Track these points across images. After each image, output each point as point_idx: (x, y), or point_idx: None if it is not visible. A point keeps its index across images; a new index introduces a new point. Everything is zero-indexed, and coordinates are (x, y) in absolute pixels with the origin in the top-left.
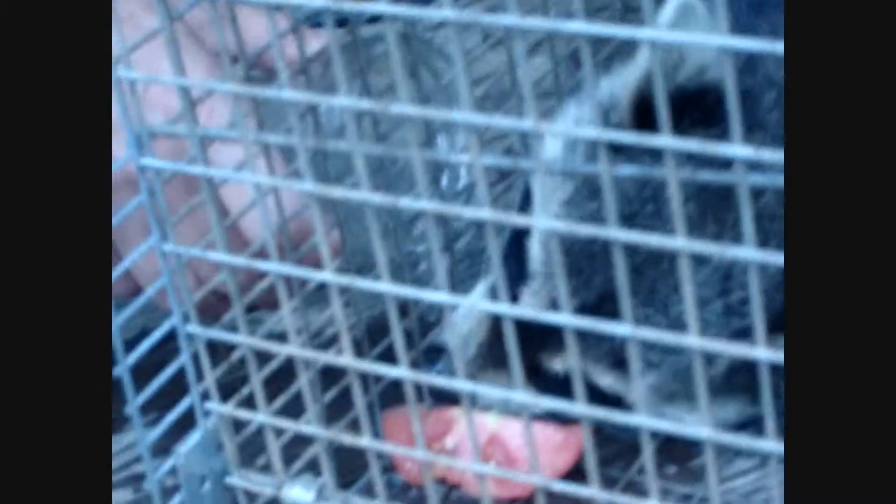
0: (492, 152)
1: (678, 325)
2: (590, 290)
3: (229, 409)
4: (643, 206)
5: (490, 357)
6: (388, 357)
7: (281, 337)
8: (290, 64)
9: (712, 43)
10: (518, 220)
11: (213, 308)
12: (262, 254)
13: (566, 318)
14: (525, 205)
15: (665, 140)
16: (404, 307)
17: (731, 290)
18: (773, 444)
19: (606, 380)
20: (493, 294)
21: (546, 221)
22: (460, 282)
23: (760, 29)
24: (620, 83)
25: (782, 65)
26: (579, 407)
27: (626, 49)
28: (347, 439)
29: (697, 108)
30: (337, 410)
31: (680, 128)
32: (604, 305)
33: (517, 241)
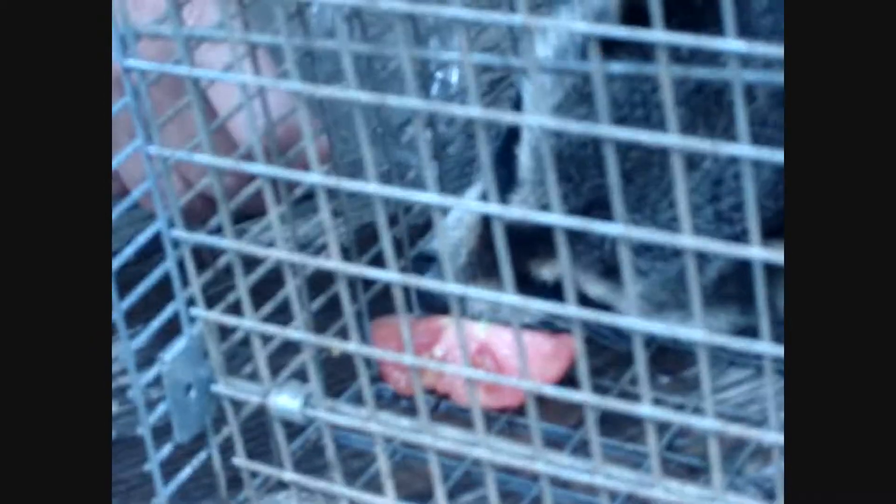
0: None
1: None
2: (579, 197)
3: (215, 315)
4: (632, 110)
5: (480, 265)
6: (377, 266)
7: (268, 245)
8: None
9: None
10: (508, 117)
11: (199, 213)
12: (249, 157)
13: (557, 218)
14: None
15: (657, 34)
16: (393, 216)
17: (722, 196)
18: (767, 347)
19: (596, 289)
20: (483, 199)
21: (537, 119)
22: (451, 189)
23: None
24: None
25: None
26: (570, 309)
27: None
28: (335, 344)
29: (686, 10)
30: (325, 320)
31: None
32: (593, 212)
33: (506, 149)
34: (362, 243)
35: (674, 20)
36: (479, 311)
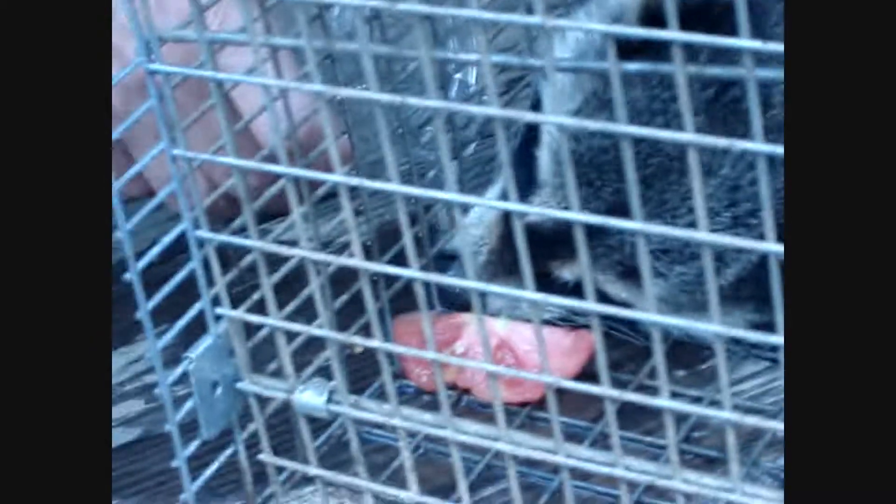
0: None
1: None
2: (599, 202)
3: (240, 313)
4: (652, 118)
5: (500, 264)
6: (398, 264)
7: (291, 244)
8: None
9: None
10: (528, 116)
11: (224, 213)
12: (272, 158)
13: (575, 215)
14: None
15: (672, 34)
16: (414, 215)
17: (739, 202)
18: (782, 339)
19: (616, 290)
20: (503, 198)
21: (556, 118)
22: (469, 189)
23: None
24: None
25: None
26: (590, 304)
27: None
28: (359, 341)
29: (703, 22)
30: (347, 317)
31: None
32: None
33: (525, 151)
34: (384, 241)
35: (691, 29)
36: (499, 307)
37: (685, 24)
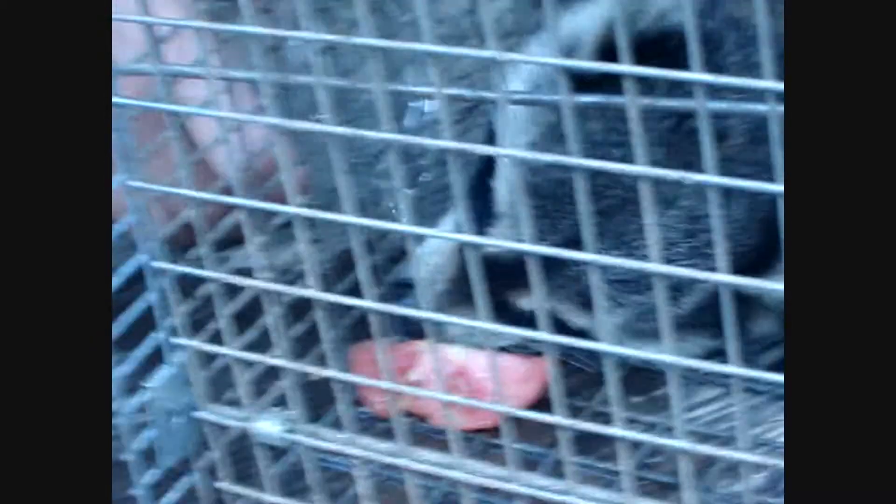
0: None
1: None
2: (556, 234)
3: (197, 343)
4: (610, 150)
5: (458, 293)
6: (355, 294)
7: (250, 273)
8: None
9: None
10: (482, 149)
11: (184, 240)
12: (230, 188)
13: (530, 247)
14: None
15: (624, 67)
16: (370, 244)
17: (698, 232)
18: (735, 369)
19: (576, 319)
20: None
21: (509, 151)
22: (426, 217)
23: None
24: (583, 23)
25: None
26: (543, 334)
27: None
28: (315, 371)
29: (659, 53)
30: (305, 346)
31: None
32: (571, 249)
33: (482, 180)
34: (342, 268)
35: (647, 65)
36: (456, 334)
37: (642, 56)
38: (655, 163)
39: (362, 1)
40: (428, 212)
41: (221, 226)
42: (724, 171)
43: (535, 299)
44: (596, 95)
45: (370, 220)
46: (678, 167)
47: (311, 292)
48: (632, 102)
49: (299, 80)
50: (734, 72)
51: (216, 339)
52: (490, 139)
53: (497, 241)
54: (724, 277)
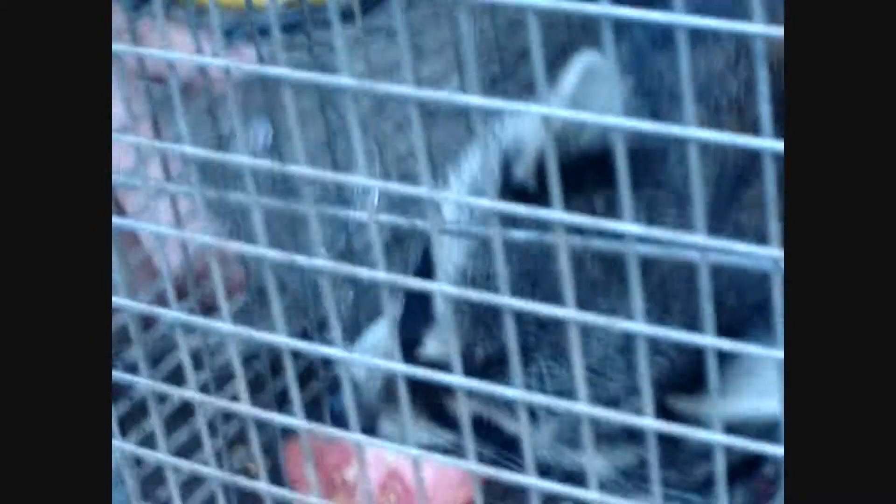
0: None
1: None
2: (494, 341)
3: (129, 446)
4: (548, 259)
5: (394, 392)
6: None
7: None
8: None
9: (604, 122)
10: (413, 283)
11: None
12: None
13: (458, 380)
14: (429, 245)
15: (556, 214)
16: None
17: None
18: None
19: (510, 424)
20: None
21: (440, 286)
22: (369, 313)
23: (662, 65)
24: (526, 128)
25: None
26: (471, 464)
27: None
28: (243, 482)
29: (601, 170)
30: (243, 436)
31: (584, 190)
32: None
33: (427, 265)
34: (280, 361)
35: (589, 180)
36: (390, 433)
37: (584, 172)
38: (592, 278)
39: (294, 120)
40: (370, 307)
41: (154, 332)
42: (660, 288)
43: (474, 408)
44: (525, 232)
45: (301, 344)
46: (616, 281)
47: (240, 406)
48: (561, 242)
49: (236, 197)
50: (678, 185)
51: (150, 439)
52: (426, 254)
53: (424, 373)
54: (648, 422)
